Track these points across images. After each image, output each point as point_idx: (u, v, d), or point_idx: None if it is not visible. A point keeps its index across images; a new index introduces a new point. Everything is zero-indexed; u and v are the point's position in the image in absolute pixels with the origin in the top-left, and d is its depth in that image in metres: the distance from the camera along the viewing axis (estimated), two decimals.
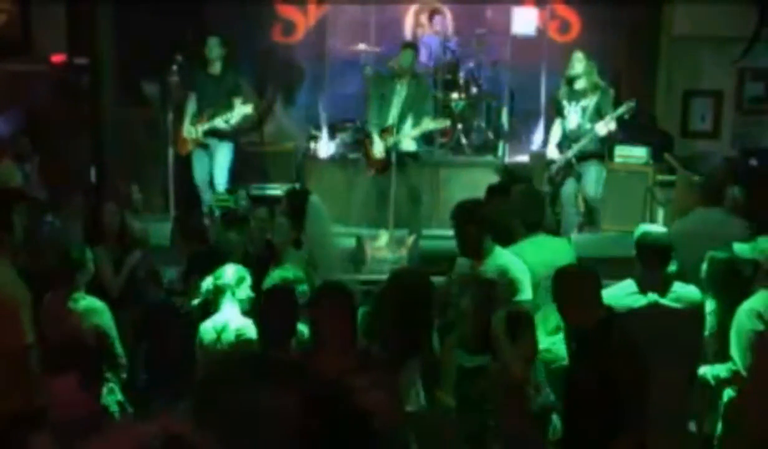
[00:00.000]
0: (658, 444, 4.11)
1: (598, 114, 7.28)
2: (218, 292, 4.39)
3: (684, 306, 4.18)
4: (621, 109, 7.19)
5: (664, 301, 4.17)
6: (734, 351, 4.18)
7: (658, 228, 4.39)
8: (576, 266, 4.15)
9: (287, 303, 3.79)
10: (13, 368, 4.10)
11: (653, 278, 4.19)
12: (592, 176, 7.33)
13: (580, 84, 7.32)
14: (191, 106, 7.80)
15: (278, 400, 3.17)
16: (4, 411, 4.05)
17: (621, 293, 4.20)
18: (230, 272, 4.44)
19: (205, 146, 7.82)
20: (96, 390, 3.10)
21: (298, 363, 3.41)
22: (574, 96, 7.33)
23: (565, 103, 7.38)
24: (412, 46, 7.92)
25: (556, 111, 7.53)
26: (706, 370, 4.30)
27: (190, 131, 7.73)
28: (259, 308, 3.89)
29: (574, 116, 7.33)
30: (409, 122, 7.47)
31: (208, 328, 4.44)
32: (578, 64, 7.29)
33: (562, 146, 7.37)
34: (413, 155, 7.60)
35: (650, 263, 4.20)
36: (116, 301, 5.05)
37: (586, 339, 3.63)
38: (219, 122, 7.66)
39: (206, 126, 7.71)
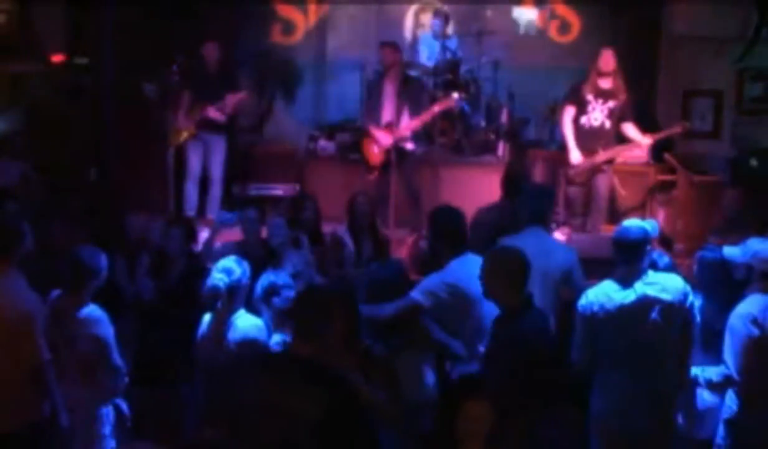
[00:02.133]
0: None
1: (621, 118, 7.32)
2: (233, 290, 4.39)
3: (672, 296, 4.17)
4: (676, 129, 7.52)
5: (651, 292, 4.16)
6: (727, 355, 4.17)
7: (633, 223, 4.36)
8: (506, 249, 4.17)
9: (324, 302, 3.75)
10: (30, 380, 4.11)
11: (633, 273, 4.19)
12: (608, 174, 7.47)
13: (607, 83, 7.28)
14: (186, 101, 7.87)
15: (300, 399, 3.18)
16: (18, 420, 4.08)
17: (607, 291, 4.19)
18: (237, 268, 4.44)
19: (198, 138, 7.86)
20: None
21: (319, 363, 3.40)
22: (602, 94, 7.30)
23: (590, 98, 7.33)
24: (389, 44, 7.97)
25: (574, 102, 7.38)
26: (697, 371, 4.29)
27: (185, 122, 7.81)
28: (293, 306, 3.86)
29: (599, 114, 7.31)
30: (406, 115, 7.48)
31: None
32: (612, 60, 7.25)
33: (583, 143, 7.33)
34: (411, 153, 7.59)
35: (628, 258, 4.19)
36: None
37: (509, 317, 3.87)
38: (212, 112, 7.73)
39: (199, 116, 7.78)
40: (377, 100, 7.60)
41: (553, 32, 9.84)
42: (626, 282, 4.18)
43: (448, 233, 4.53)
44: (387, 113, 7.53)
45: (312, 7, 10.13)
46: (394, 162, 7.42)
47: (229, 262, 4.46)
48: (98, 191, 7.61)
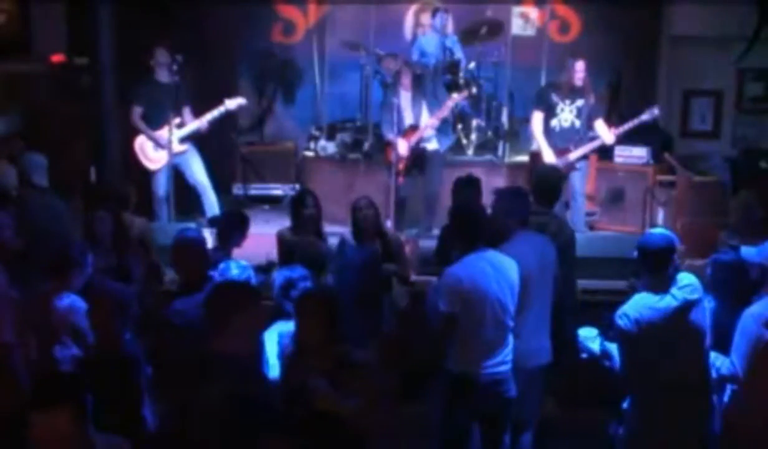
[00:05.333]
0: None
1: (590, 116, 7.41)
2: None
3: (699, 295, 4.16)
4: (644, 117, 7.37)
5: (688, 296, 4.12)
6: (735, 354, 4.13)
7: (657, 231, 4.32)
8: (188, 234, 4.84)
9: (234, 296, 3.66)
10: None
11: (665, 280, 4.13)
12: (582, 171, 7.52)
13: (576, 83, 7.37)
14: (138, 118, 7.66)
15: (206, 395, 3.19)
16: None
17: (648, 304, 4.10)
18: (235, 269, 4.45)
19: (181, 154, 7.71)
20: (85, 422, 2.99)
21: (234, 360, 3.39)
22: (569, 95, 7.37)
23: (557, 100, 7.40)
24: (389, 54, 8.14)
25: (543, 106, 7.49)
26: (713, 357, 4.23)
27: (163, 143, 7.58)
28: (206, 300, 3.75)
29: (568, 115, 7.39)
30: (425, 114, 7.52)
31: None
32: (582, 74, 7.36)
33: (555, 145, 7.41)
34: (436, 153, 7.61)
35: (659, 266, 4.13)
36: None
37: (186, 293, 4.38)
38: (202, 123, 7.55)
39: (184, 133, 7.63)
40: (396, 108, 7.56)
41: (553, 32, 9.83)
42: (662, 291, 4.11)
43: (465, 229, 4.53)
44: (407, 117, 7.56)
45: (312, 7, 10.12)
46: (393, 164, 7.43)
47: (231, 264, 4.49)
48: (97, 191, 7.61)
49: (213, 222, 6.30)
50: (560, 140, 7.42)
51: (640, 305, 4.11)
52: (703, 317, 4.18)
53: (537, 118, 7.55)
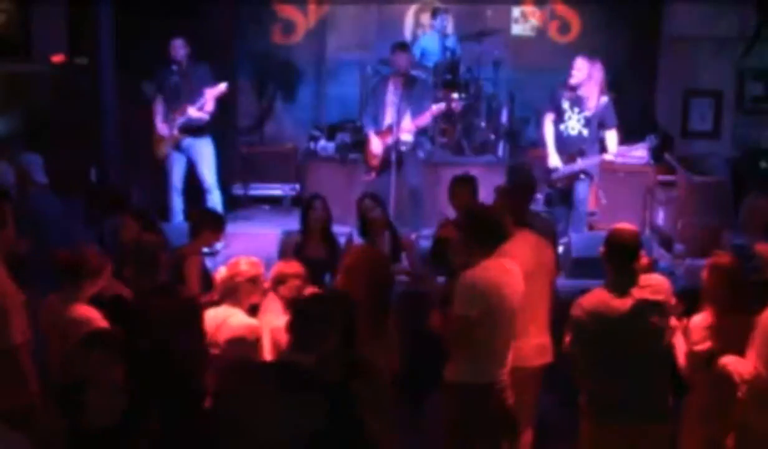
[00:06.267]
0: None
1: (601, 125, 7.30)
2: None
3: (664, 296, 4.13)
4: (646, 143, 7.43)
5: (647, 296, 4.08)
6: (756, 354, 3.95)
7: (626, 226, 4.25)
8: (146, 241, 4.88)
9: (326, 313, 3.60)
10: (4, 366, 4.12)
11: (627, 279, 4.10)
12: (586, 182, 7.42)
13: (583, 91, 7.26)
14: (160, 107, 7.72)
15: (300, 409, 3.16)
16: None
17: (603, 299, 4.08)
18: (245, 265, 4.43)
19: (181, 148, 7.72)
20: None
21: (318, 373, 3.36)
22: (578, 102, 7.27)
23: (566, 107, 7.32)
24: (405, 49, 7.80)
25: (554, 109, 7.43)
26: (728, 360, 4.07)
27: (164, 128, 7.66)
28: (294, 316, 3.65)
29: (576, 123, 7.29)
30: (407, 119, 7.46)
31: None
32: (578, 73, 7.22)
33: (562, 150, 7.37)
34: (411, 152, 7.58)
35: (623, 263, 4.10)
36: None
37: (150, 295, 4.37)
38: (192, 112, 7.56)
39: (181, 120, 7.63)
40: (380, 103, 7.50)
41: (553, 32, 9.84)
42: (622, 289, 4.08)
43: (484, 234, 4.42)
44: (389, 116, 7.45)
45: (312, 7, 10.13)
46: (393, 164, 7.40)
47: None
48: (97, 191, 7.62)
49: (189, 218, 6.23)
50: (566, 147, 7.31)
51: (597, 298, 4.09)
52: (667, 318, 4.12)
53: (547, 119, 7.42)
